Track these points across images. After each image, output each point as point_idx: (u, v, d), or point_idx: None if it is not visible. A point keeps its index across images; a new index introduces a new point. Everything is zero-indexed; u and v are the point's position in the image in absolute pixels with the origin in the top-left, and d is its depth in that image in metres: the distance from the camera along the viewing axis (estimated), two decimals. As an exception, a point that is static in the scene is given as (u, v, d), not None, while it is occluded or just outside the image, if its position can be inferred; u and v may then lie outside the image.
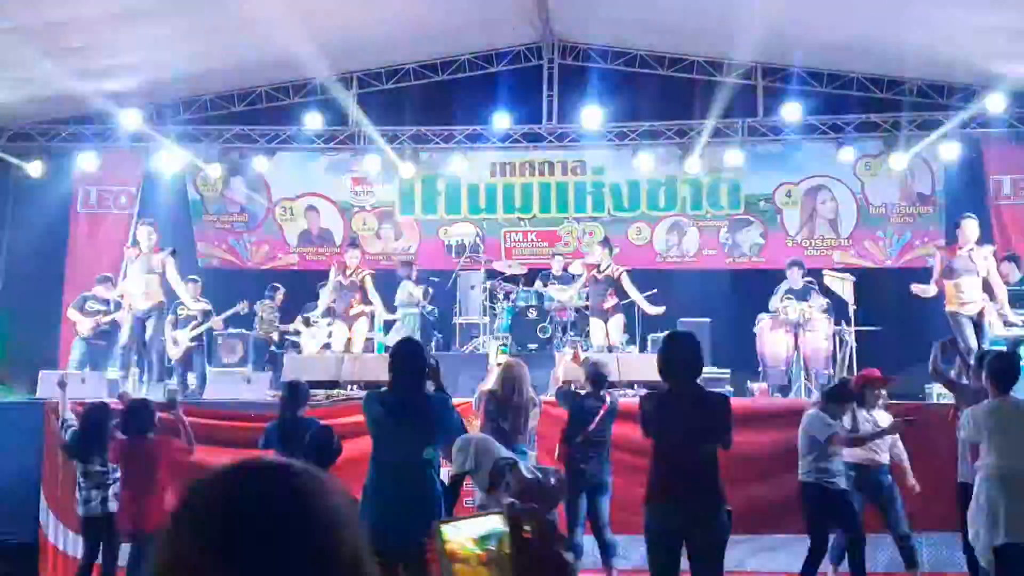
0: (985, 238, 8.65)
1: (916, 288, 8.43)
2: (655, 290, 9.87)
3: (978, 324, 8.05)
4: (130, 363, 8.92)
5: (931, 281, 8.33)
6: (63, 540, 7.43)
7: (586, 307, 9.81)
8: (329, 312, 9.67)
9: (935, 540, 6.78)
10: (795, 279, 9.30)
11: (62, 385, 6.87)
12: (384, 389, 4.45)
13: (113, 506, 6.17)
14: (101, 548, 6.28)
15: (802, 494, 5.95)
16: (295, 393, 5.91)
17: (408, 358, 4.35)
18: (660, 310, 9.48)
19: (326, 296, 9.63)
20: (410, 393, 4.26)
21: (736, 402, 5.84)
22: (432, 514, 3.82)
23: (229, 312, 9.95)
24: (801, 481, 5.96)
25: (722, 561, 4.20)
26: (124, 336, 8.86)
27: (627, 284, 9.53)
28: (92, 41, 9.11)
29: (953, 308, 8.08)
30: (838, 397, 6.06)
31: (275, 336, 10.28)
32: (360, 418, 6.60)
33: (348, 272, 9.59)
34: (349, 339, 9.40)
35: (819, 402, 6.23)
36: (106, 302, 9.52)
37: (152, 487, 5.77)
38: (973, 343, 7.95)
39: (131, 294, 8.77)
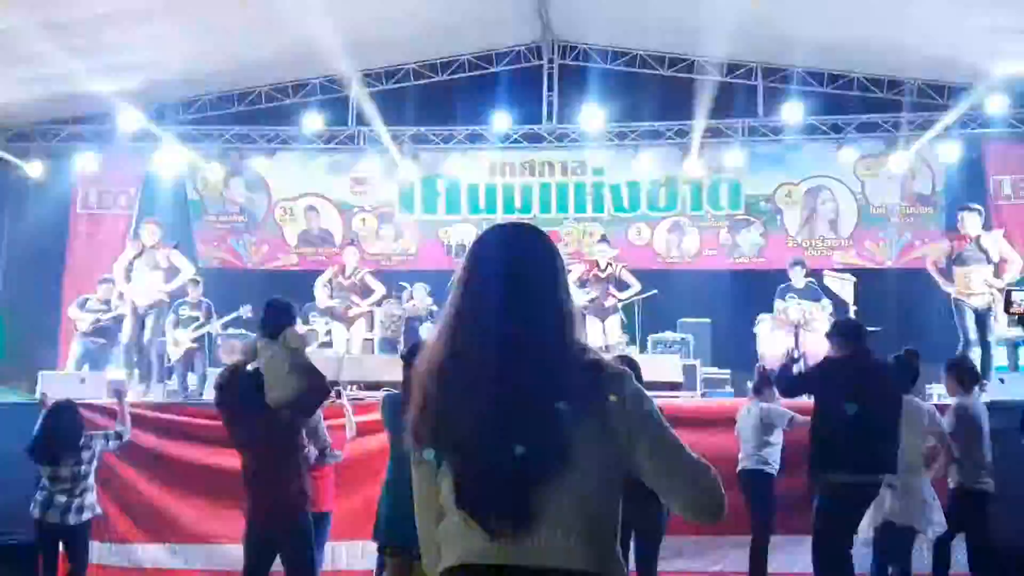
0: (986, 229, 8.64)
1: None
2: (655, 291, 9.86)
3: (983, 317, 8.03)
4: (131, 362, 8.90)
5: (934, 271, 8.30)
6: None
7: (586, 305, 9.78)
8: (328, 312, 9.67)
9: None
10: (797, 278, 9.30)
11: (119, 393, 6.49)
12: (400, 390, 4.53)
13: (73, 519, 5.69)
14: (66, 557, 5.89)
15: (747, 482, 6.19)
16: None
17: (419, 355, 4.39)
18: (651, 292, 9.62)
19: (323, 294, 9.59)
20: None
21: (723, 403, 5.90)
22: None
23: (231, 316, 9.94)
24: (747, 469, 6.26)
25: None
26: (125, 334, 8.82)
27: (628, 277, 9.52)
28: (92, 41, 9.09)
29: (960, 296, 8.05)
30: (767, 383, 6.39)
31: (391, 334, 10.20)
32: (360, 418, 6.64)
33: (347, 272, 9.59)
34: (348, 340, 9.41)
35: (757, 394, 6.54)
36: (107, 302, 9.52)
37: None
38: (973, 335, 7.94)
39: (132, 291, 8.73)
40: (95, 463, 5.93)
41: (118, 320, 9.35)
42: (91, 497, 5.84)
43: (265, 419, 4.89)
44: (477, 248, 1.89)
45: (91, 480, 5.86)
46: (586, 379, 1.73)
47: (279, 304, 5.66)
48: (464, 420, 1.71)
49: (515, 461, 1.66)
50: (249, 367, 5.12)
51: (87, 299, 9.61)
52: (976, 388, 6.04)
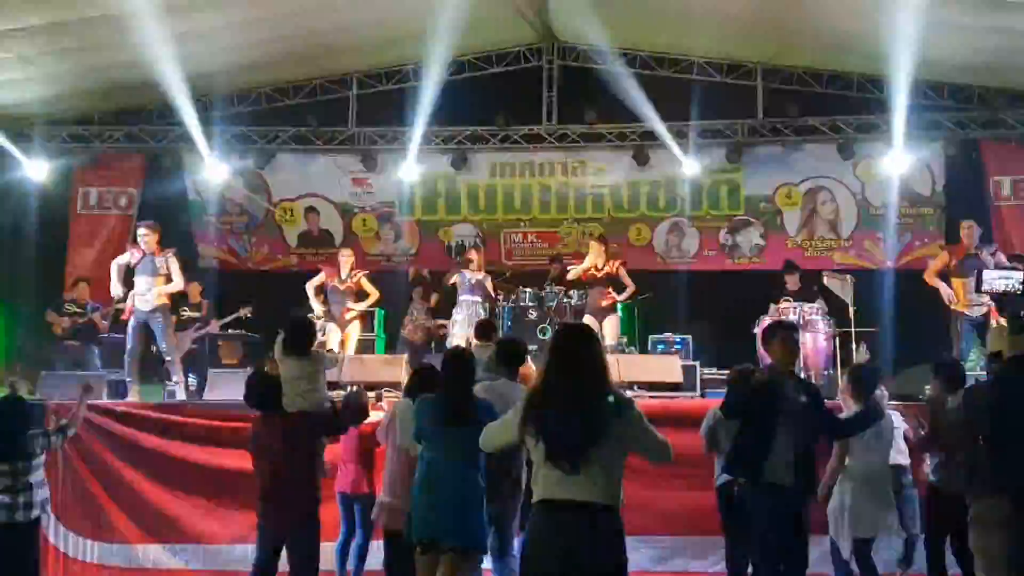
0: (985, 238, 8.63)
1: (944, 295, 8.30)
2: (649, 294, 9.86)
3: (983, 327, 8.00)
4: (130, 364, 8.85)
5: (938, 282, 8.25)
6: (64, 542, 7.42)
7: (579, 303, 9.77)
8: (324, 315, 9.66)
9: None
10: (791, 282, 9.30)
11: (86, 389, 6.41)
12: (434, 393, 4.75)
13: (22, 515, 5.44)
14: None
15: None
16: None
17: (458, 365, 4.72)
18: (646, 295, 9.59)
19: (315, 298, 9.58)
20: (458, 397, 4.58)
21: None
22: (475, 511, 4.44)
23: (231, 317, 9.93)
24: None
25: None
26: (129, 339, 8.76)
27: (624, 276, 9.50)
28: (92, 42, 9.11)
29: (961, 308, 8.03)
30: None
31: (421, 338, 10.09)
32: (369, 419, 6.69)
33: (343, 276, 9.59)
34: (343, 341, 9.41)
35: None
36: (83, 304, 9.49)
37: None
38: (969, 344, 7.92)
39: (134, 297, 8.67)
40: (38, 460, 5.67)
41: (93, 322, 9.33)
42: (39, 495, 5.59)
43: (281, 423, 5.21)
44: (560, 331, 3.67)
45: (35, 478, 5.59)
46: (607, 400, 3.28)
47: (305, 322, 6.04)
48: (553, 417, 3.26)
49: (574, 437, 3.21)
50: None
51: (63, 301, 9.58)
52: (960, 390, 6.00)
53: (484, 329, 7.23)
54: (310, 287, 9.50)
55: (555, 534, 3.21)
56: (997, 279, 7.55)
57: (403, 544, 4.69)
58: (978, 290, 7.67)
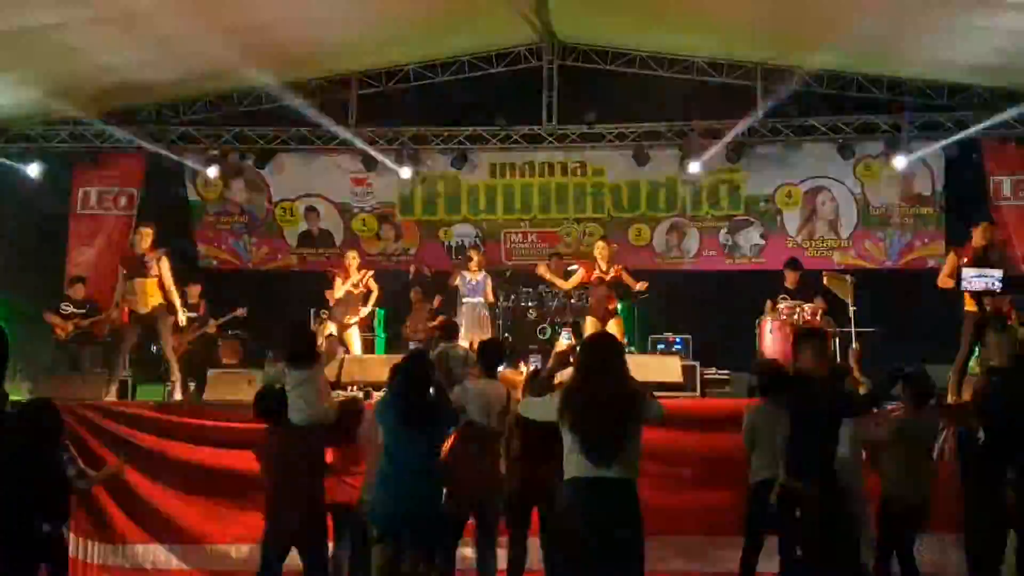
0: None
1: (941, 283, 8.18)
2: (648, 292, 9.85)
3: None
4: (125, 366, 8.85)
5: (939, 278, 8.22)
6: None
7: (578, 303, 9.76)
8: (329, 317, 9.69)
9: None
10: (790, 279, 9.29)
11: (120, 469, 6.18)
12: (393, 394, 5.04)
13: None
14: None
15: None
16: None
17: (415, 367, 5.04)
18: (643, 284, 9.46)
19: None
20: (416, 399, 4.90)
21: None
22: (434, 506, 4.84)
23: (228, 316, 9.93)
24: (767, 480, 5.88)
25: None
26: (124, 340, 8.76)
27: (629, 280, 9.49)
28: (91, 42, 9.10)
29: (971, 308, 8.00)
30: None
31: (422, 338, 9.99)
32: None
33: (354, 280, 9.61)
34: (346, 340, 9.42)
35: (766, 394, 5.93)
36: (81, 304, 9.47)
37: None
38: (968, 350, 7.91)
39: (132, 298, 8.65)
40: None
41: (96, 323, 9.31)
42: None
43: (288, 435, 5.38)
44: (592, 338, 4.52)
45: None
46: (630, 395, 3.92)
47: (304, 330, 6.16)
48: (585, 413, 3.84)
49: (605, 431, 3.80)
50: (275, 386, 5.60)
51: (60, 302, 9.55)
52: (930, 403, 5.96)
53: (448, 330, 7.35)
54: (331, 296, 9.56)
55: (585, 506, 3.76)
56: (975, 277, 7.52)
57: (366, 538, 4.87)
58: (958, 288, 7.63)
